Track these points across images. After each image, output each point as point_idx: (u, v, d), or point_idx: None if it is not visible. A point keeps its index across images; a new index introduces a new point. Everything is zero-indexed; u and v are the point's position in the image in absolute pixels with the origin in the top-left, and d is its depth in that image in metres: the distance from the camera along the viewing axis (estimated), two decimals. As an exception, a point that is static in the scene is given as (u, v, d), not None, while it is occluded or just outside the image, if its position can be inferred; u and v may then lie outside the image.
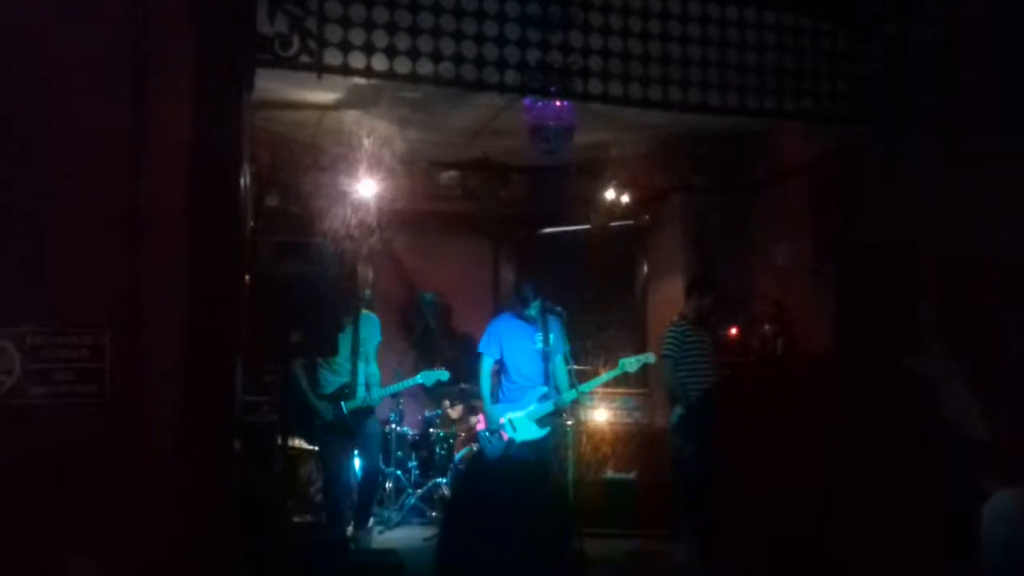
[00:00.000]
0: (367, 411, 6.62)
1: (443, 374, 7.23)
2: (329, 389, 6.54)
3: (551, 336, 6.34)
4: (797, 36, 4.25)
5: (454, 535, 1.76)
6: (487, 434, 6.44)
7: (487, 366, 6.48)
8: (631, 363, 6.59)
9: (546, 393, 6.33)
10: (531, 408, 6.32)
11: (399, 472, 7.80)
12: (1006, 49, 4.16)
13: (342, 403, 6.51)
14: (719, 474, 1.21)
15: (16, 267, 3.17)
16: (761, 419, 1.12)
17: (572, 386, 6.28)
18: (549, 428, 6.34)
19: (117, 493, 3.13)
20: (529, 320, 6.36)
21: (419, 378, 7.12)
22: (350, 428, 6.53)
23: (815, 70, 4.25)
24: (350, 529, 6.63)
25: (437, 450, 7.83)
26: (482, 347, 6.52)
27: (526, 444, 6.29)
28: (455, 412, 8.05)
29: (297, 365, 6.34)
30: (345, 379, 6.56)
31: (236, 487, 3.53)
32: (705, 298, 6.55)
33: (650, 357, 6.70)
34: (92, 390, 3.16)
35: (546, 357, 6.35)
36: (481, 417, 6.62)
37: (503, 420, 6.34)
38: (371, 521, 7.00)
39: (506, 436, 6.33)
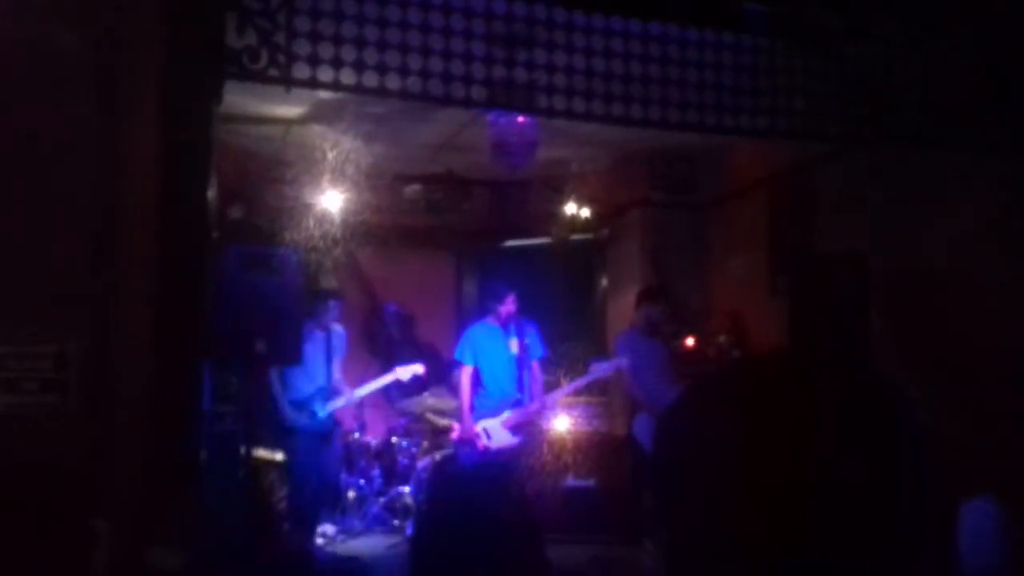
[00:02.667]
0: (333, 418, 6.60)
1: (417, 367, 7.26)
2: (301, 394, 6.46)
3: (526, 342, 6.32)
4: (754, 55, 4.30)
5: (425, 544, 1.74)
6: (462, 443, 6.40)
7: (466, 373, 6.40)
8: (603, 368, 6.56)
9: (519, 399, 6.30)
10: (505, 415, 6.28)
11: (362, 480, 7.73)
12: (961, 66, 4.25)
13: (315, 408, 6.46)
14: (686, 485, 1.20)
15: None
16: (734, 422, 1.11)
17: (534, 396, 6.28)
18: (523, 436, 6.32)
19: (82, 504, 3.06)
20: (503, 326, 6.33)
21: (396, 372, 7.14)
22: (321, 434, 6.48)
23: (771, 88, 4.30)
24: (319, 538, 6.58)
25: (400, 459, 7.78)
26: (458, 355, 6.47)
27: (501, 452, 6.25)
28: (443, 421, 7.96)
29: (273, 371, 6.28)
30: (321, 383, 6.50)
31: (202, 500, 3.47)
32: (653, 308, 6.59)
33: (623, 362, 6.62)
34: (56, 400, 3.09)
35: (521, 364, 6.32)
36: (455, 426, 6.59)
37: (478, 428, 6.30)
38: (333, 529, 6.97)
39: (481, 444, 6.29)
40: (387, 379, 7.22)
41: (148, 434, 3.18)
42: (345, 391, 6.87)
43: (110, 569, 2.99)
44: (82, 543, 3.01)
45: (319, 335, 6.80)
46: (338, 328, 6.97)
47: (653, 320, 6.60)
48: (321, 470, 6.75)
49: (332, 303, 6.90)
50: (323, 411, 6.58)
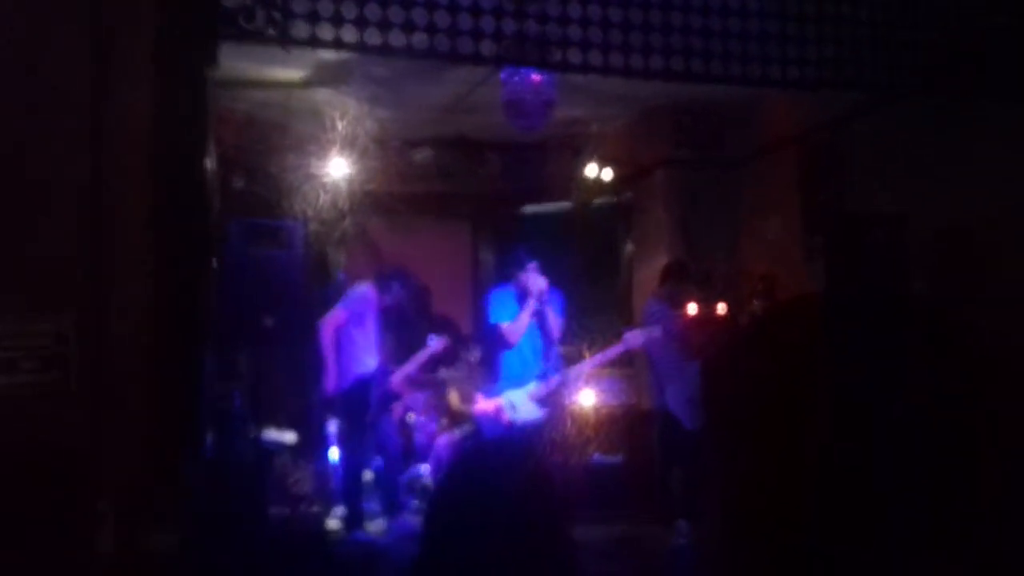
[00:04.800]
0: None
1: (442, 338, 7.49)
2: (366, 368, 6.76)
3: (550, 311, 6.28)
4: (781, 2, 4.24)
5: (438, 526, 1.73)
6: (486, 416, 6.39)
7: (512, 328, 6.31)
8: (636, 337, 6.47)
9: (545, 371, 6.26)
10: (531, 387, 6.25)
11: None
12: (1000, 8, 4.17)
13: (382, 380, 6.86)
14: (721, 451, 1.20)
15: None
16: (768, 388, 1.10)
17: (557, 368, 6.26)
18: (549, 409, 6.29)
19: (86, 485, 3.11)
20: (524, 295, 6.28)
21: (431, 345, 7.37)
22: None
23: (800, 36, 4.24)
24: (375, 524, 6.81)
25: (417, 437, 7.81)
26: (494, 318, 6.38)
27: (526, 425, 6.23)
28: (455, 399, 8.01)
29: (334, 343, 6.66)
30: (377, 355, 6.85)
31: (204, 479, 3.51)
32: (681, 286, 6.62)
33: (656, 330, 6.52)
34: (57, 377, 3.12)
35: (545, 334, 6.29)
36: (479, 399, 6.59)
37: (503, 401, 6.27)
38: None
39: (506, 418, 6.26)
40: (424, 355, 7.32)
41: (147, 415, 3.21)
42: (391, 366, 7.15)
43: (109, 552, 3.03)
44: (86, 524, 3.06)
45: (377, 309, 6.94)
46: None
47: (674, 296, 6.61)
48: (382, 440, 7.04)
49: (401, 282, 7.04)
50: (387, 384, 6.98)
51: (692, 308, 6.64)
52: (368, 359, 6.89)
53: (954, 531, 1.04)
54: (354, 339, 6.85)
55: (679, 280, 6.69)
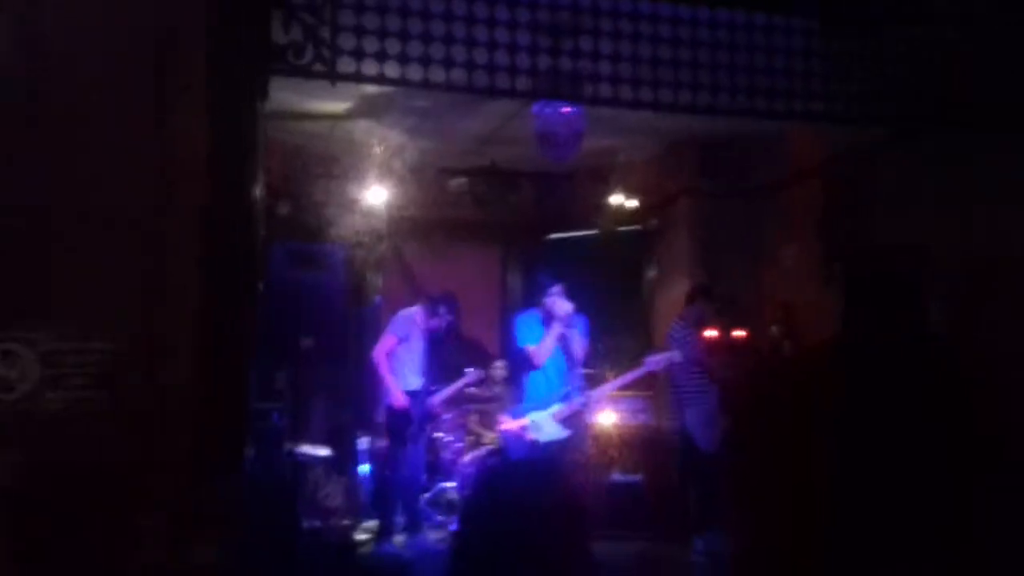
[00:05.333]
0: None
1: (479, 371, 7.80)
2: (411, 387, 6.92)
3: (575, 333, 6.29)
4: (806, 38, 4.24)
5: (468, 540, 1.74)
6: (511, 435, 6.39)
7: (539, 350, 6.32)
8: (657, 361, 6.49)
9: (568, 392, 6.26)
10: (555, 408, 6.25)
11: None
12: (1019, 45, 4.14)
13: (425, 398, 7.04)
14: (741, 472, 1.21)
15: (33, 273, 3.17)
16: (784, 414, 1.11)
17: (580, 390, 6.25)
18: (572, 429, 6.28)
19: (129, 502, 3.13)
20: (549, 319, 6.29)
21: (468, 375, 7.63)
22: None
23: (824, 71, 4.24)
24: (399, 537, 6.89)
25: (443, 454, 7.82)
26: (521, 342, 6.39)
27: (550, 445, 6.22)
28: (474, 422, 8.03)
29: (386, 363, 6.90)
30: (423, 376, 7.04)
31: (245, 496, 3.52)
32: (698, 307, 6.61)
33: (676, 355, 6.54)
34: (105, 396, 3.15)
35: (569, 356, 6.29)
36: (504, 418, 6.59)
37: (528, 420, 6.27)
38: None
39: (530, 437, 6.26)
40: (462, 383, 7.41)
41: (194, 432, 3.23)
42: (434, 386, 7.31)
43: (155, 566, 3.05)
44: (129, 541, 3.08)
45: (425, 332, 7.13)
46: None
47: (699, 319, 6.60)
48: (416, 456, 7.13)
49: (453, 310, 7.23)
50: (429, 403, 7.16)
51: (711, 333, 6.64)
52: (413, 378, 7.01)
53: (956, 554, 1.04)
54: (401, 359, 7.00)
55: (704, 303, 6.68)
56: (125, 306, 3.23)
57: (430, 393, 7.20)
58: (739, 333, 7.17)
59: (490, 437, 7.61)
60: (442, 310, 7.11)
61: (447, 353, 7.97)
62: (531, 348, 6.25)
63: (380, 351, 6.96)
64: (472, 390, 7.89)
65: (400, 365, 6.97)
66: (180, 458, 3.22)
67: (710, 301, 6.69)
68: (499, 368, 8.01)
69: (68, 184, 3.23)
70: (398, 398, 6.89)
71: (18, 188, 3.19)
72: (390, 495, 7.05)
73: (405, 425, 6.94)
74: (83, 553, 3.06)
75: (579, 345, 6.31)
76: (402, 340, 7.02)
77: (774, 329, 7.04)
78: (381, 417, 7.40)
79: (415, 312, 7.14)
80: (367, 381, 7.96)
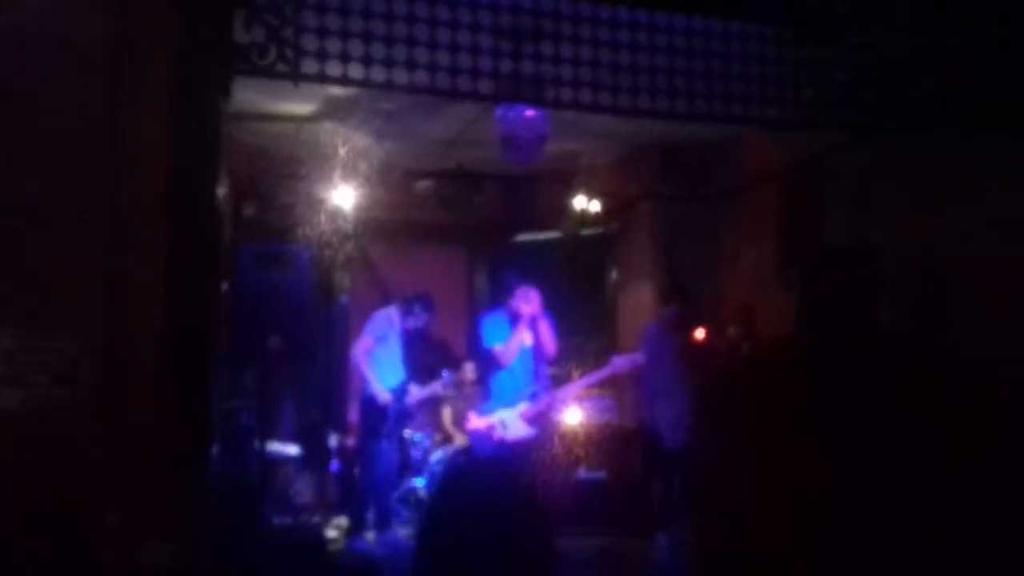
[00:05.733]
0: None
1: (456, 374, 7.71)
2: (390, 385, 6.91)
3: (542, 334, 6.27)
4: (763, 44, 4.25)
5: (433, 538, 1.70)
6: (478, 434, 6.35)
7: (506, 351, 6.28)
8: (623, 363, 6.52)
9: (535, 392, 6.24)
10: (522, 407, 6.22)
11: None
12: (975, 55, 4.16)
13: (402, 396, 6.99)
14: (710, 470, 1.17)
15: (-7, 272, 3.09)
16: (752, 413, 1.08)
17: (547, 389, 6.23)
18: (539, 428, 6.26)
19: (93, 499, 3.05)
20: (515, 320, 6.27)
21: (444, 377, 7.54)
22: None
23: (780, 78, 4.24)
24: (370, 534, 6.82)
25: (412, 452, 7.75)
26: (488, 342, 6.37)
27: (517, 444, 6.19)
28: (447, 418, 7.96)
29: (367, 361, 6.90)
30: (401, 375, 6.99)
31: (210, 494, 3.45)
32: (684, 306, 6.62)
33: (641, 357, 6.59)
34: (66, 393, 3.07)
35: (535, 356, 6.27)
36: (472, 416, 6.54)
37: (495, 419, 6.23)
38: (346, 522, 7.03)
39: (497, 435, 6.23)
40: (439, 385, 7.42)
41: (157, 429, 3.16)
42: (411, 387, 7.22)
43: (110, 566, 2.97)
44: (93, 538, 3.00)
45: (401, 331, 7.11)
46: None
47: (676, 320, 6.61)
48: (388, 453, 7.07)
49: (429, 310, 7.19)
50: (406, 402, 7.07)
51: (700, 333, 6.67)
52: (389, 377, 6.97)
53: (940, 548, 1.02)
54: (379, 359, 6.98)
55: (680, 304, 6.69)
56: (87, 304, 3.16)
57: (406, 392, 7.13)
58: (699, 333, 7.19)
59: (459, 435, 7.55)
60: (417, 309, 7.09)
61: (418, 353, 7.93)
62: (498, 348, 6.23)
63: (359, 352, 6.98)
64: (441, 390, 7.84)
65: (378, 365, 6.96)
66: (142, 457, 3.16)
67: (687, 302, 6.68)
68: (468, 369, 7.96)
69: (28, 184, 3.15)
70: (382, 394, 6.87)
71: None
72: (361, 492, 7.01)
73: (381, 422, 6.91)
74: (40, 553, 2.98)
75: (548, 344, 6.29)
76: (379, 340, 7.02)
77: (731, 330, 7.06)
78: (355, 415, 7.37)
79: (391, 312, 7.13)
80: (336, 379, 7.89)
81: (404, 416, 7.19)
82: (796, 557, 0.98)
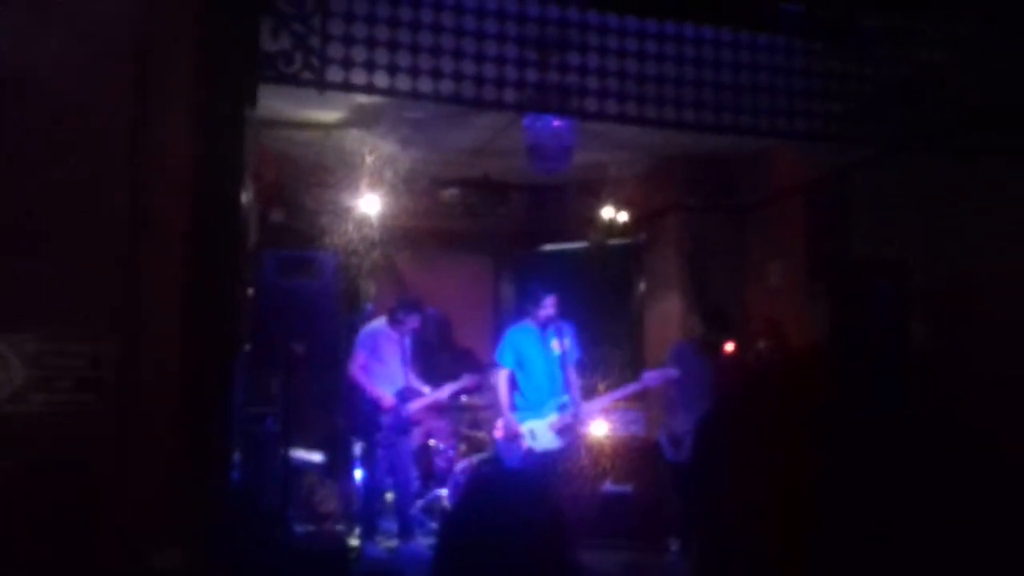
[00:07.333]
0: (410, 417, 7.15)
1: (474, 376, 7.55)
2: (391, 391, 6.92)
3: (566, 344, 6.25)
4: (790, 57, 4.21)
5: (451, 548, 1.69)
6: (505, 443, 6.31)
7: (503, 376, 6.32)
8: (654, 377, 6.48)
9: (565, 403, 6.19)
10: (551, 418, 6.18)
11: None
12: (1004, 71, 4.11)
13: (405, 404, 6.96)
14: (727, 486, 1.16)
15: (19, 276, 3.12)
16: (775, 424, 1.06)
17: (577, 401, 6.20)
18: (567, 440, 6.21)
19: (111, 503, 3.07)
20: (542, 329, 6.24)
21: (464, 379, 7.38)
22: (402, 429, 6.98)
23: (808, 90, 4.20)
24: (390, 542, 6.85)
25: (437, 461, 7.75)
26: (498, 356, 6.39)
27: (545, 455, 6.15)
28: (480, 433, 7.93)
29: (361, 371, 6.94)
30: (400, 385, 6.99)
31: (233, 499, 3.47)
32: (721, 335, 6.59)
33: (672, 372, 6.53)
34: (91, 398, 3.10)
35: (564, 365, 6.24)
36: (499, 425, 6.50)
37: (524, 429, 6.18)
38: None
39: (525, 446, 6.18)
40: (453, 388, 7.34)
41: (176, 435, 3.18)
42: (424, 392, 7.19)
43: (123, 570, 2.99)
44: (104, 543, 3.02)
45: (395, 340, 7.09)
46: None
47: (711, 342, 6.58)
48: (396, 462, 7.02)
49: (414, 313, 7.14)
50: (404, 410, 6.98)
51: (730, 346, 6.65)
52: (386, 388, 6.96)
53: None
54: (374, 371, 6.98)
55: (721, 328, 6.66)
56: (110, 310, 3.18)
57: (405, 400, 7.09)
58: (728, 347, 7.15)
59: (484, 445, 7.53)
60: (401, 315, 7.04)
61: (426, 355, 7.93)
62: (500, 370, 6.29)
63: (354, 367, 7.00)
64: (465, 398, 7.81)
65: (375, 377, 6.97)
66: (161, 462, 3.18)
67: (726, 330, 6.64)
68: (486, 376, 7.93)
69: (53, 189, 3.18)
70: (387, 401, 6.89)
71: (2, 195, 3.14)
72: (367, 498, 7.07)
73: (374, 430, 6.92)
74: (57, 554, 3.00)
75: (573, 354, 6.28)
76: (371, 353, 7.03)
77: (761, 344, 7.00)
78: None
79: (380, 325, 7.14)
80: (360, 387, 7.93)
81: (406, 425, 7.12)
82: (794, 559, 0.96)
